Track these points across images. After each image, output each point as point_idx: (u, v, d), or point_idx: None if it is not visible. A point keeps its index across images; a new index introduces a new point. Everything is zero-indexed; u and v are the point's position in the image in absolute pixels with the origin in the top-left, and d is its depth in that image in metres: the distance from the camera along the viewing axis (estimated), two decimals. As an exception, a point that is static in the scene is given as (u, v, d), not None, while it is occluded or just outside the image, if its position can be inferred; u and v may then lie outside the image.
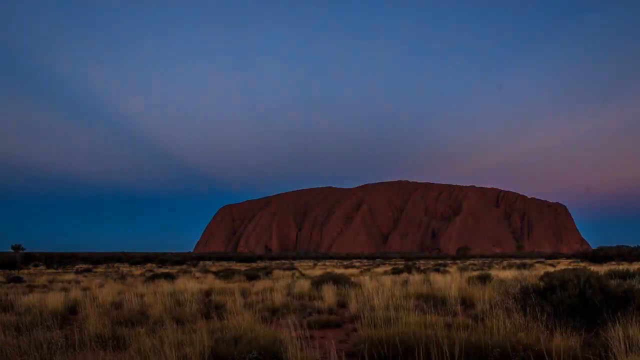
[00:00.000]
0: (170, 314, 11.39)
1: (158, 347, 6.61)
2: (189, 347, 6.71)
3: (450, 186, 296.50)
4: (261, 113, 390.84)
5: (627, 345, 6.22)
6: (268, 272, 34.89)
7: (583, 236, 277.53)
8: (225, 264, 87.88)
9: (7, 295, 18.62)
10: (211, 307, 12.48)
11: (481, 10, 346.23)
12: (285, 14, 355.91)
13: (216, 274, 33.32)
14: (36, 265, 75.02)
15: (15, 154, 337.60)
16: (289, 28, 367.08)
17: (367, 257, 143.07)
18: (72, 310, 14.23)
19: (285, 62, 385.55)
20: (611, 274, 15.48)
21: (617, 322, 7.61)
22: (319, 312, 12.98)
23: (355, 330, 9.11)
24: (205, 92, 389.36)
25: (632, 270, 16.39)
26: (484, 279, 18.44)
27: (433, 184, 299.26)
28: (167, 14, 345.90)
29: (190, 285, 20.87)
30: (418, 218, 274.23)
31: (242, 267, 61.25)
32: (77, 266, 75.69)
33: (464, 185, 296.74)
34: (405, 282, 19.72)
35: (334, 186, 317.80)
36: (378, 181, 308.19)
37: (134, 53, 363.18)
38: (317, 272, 34.95)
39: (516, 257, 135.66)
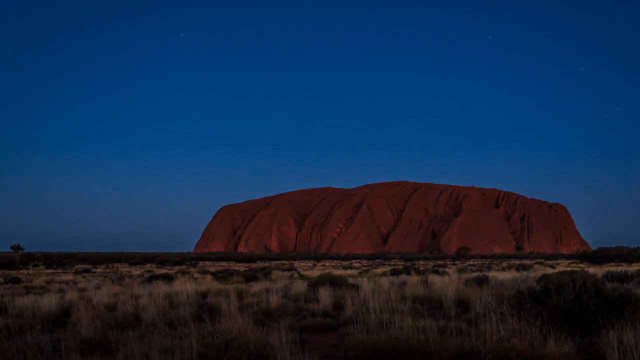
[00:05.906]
0: (163, 317, 11.31)
1: (146, 353, 6.52)
2: (177, 352, 6.63)
3: (450, 186, 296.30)
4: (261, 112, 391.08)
5: (621, 352, 6.13)
6: (267, 273, 34.80)
7: (583, 236, 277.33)
8: (224, 264, 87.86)
9: (2, 296, 18.48)
10: (205, 310, 12.39)
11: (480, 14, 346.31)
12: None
13: (214, 274, 33.23)
14: (35, 266, 75.00)
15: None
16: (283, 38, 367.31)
17: (367, 258, 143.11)
18: (66, 312, 14.12)
19: (285, 62, 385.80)
20: (609, 276, 15.44)
21: (612, 327, 7.52)
22: (314, 315, 12.90)
23: (349, 334, 9.03)
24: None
25: (630, 273, 16.32)
26: (482, 281, 18.34)
27: (433, 184, 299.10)
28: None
29: (187, 286, 20.78)
30: (418, 218, 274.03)
31: (241, 267, 61.17)
32: (76, 266, 75.68)
33: (464, 185, 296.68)
34: (403, 284, 19.64)
35: (334, 186, 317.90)
36: (378, 181, 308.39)
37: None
38: (316, 273, 34.88)
39: (516, 257, 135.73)
